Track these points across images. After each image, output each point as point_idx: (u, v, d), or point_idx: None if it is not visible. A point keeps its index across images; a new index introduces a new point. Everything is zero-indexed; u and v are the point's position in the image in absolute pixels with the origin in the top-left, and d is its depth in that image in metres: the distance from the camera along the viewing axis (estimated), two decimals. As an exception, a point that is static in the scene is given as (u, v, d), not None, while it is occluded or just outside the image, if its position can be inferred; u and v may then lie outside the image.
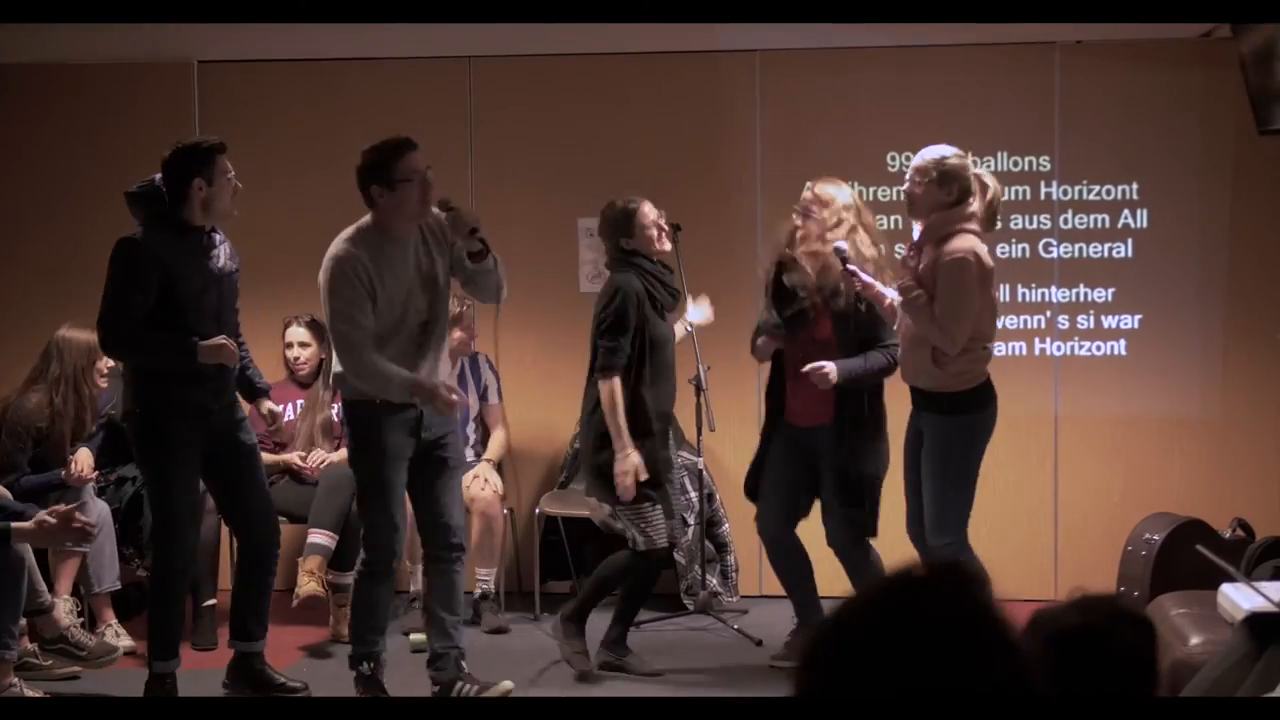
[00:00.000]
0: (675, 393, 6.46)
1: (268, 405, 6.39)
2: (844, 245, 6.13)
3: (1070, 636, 2.51)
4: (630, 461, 6.19)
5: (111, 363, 6.91)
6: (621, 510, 6.32)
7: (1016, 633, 1.72)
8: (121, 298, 5.82)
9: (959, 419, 6.01)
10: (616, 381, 6.21)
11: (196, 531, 6.28)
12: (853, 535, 6.33)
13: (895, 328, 6.16)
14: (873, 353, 6.23)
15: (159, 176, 5.92)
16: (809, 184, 6.32)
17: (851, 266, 6.08)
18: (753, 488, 6.57)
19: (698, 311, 6.79)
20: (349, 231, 5.82)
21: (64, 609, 6.59)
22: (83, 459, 6.82)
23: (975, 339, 5.98)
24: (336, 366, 5.92)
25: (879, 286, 6.11)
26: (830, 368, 6.13)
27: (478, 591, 7.24)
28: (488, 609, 7.25)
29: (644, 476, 6.22)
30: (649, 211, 6.29)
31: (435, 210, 5.86)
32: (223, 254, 6.00)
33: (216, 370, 5.95)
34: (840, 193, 6.26)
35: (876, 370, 6.25)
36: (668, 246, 6.33)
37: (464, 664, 6.08)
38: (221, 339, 5.87)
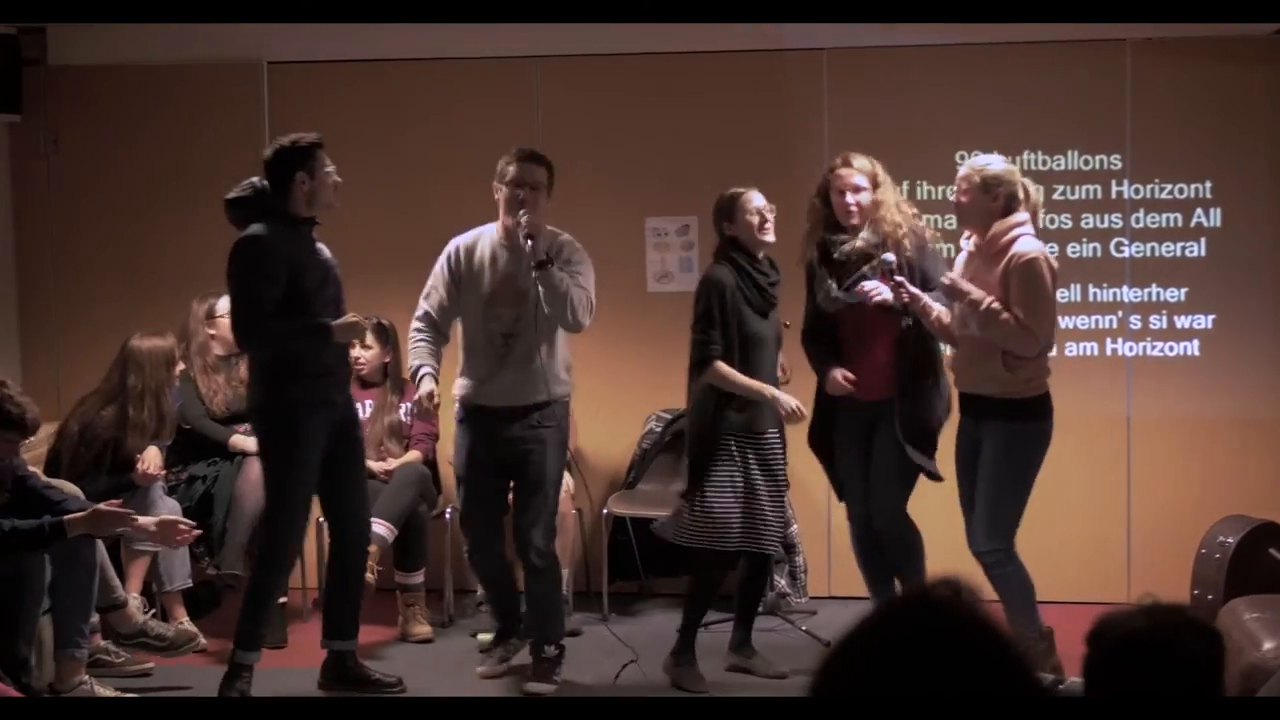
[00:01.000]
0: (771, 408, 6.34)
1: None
2: (891, 257, 6.09)
3: (1135, 642, 2.49)
4: (785, 399, 6.14)
5: (182, 365, 6.98)
6: (690, 509, 6.25)
7: (1008, 635, 1.78)
8: (252, 293, 5.94)
9: (1025, 426, 5.97)
10: (718, 365, 6.15)
11: (304, 531, 6.36)
12: (902, 511, 6.31)
13: (950, 339, 6.13)
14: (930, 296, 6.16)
15: (256, 180, 6.06)
16: (840, 161, 6.29)
17: (899, 278, 6.05)
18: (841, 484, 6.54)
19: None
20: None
21: (134, 606, 6.65)
22: (151, 457, 6.87)
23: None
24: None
25: (925, 299, 6.08)
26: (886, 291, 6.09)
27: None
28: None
29: (797, 406, 6.14)
30: (755, 198, 6.25)
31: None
32: (324, 247, 6.18)
33: (340, 363, 6.15)
34: (874, 164, 6.28)
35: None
36: (770, 237, 6.26)
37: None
38: (352, 315, 6.05)
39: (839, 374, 6.23)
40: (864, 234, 6.21)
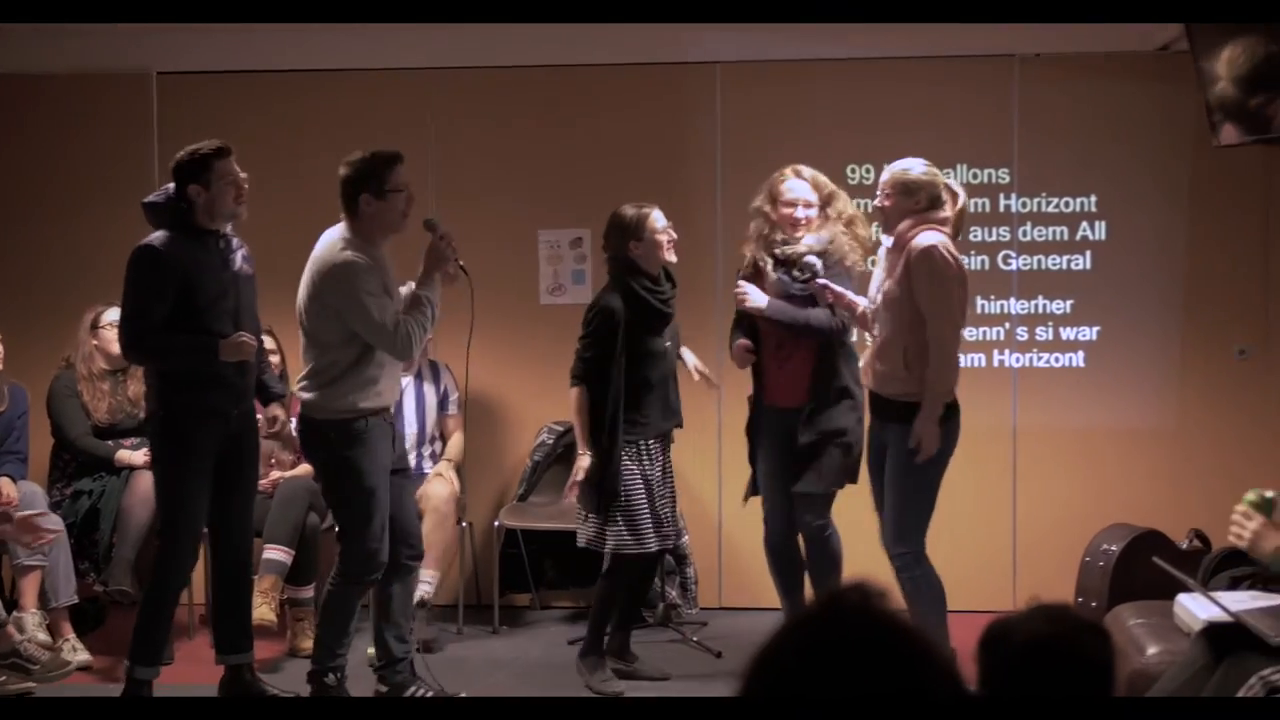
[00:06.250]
0: (674, 410, 6.46)
1: (275, 410, 6.35)
2: (815, 260, 6.13)
3: (1040, 646, 2.52)
4: (581, 464, 6.27)
5: None
6: (613, 514, 6.27)
7: (922, 636, 1.81)
8: (141, 304, 5.85)
9: None
10: (577, 391, 6.28)
11: (199, 540, 6.17)
12: (817, 516, 6.33)
13: (871, 332, 6.14)
14: (817, 310, 6.22)
15: (172, 186, 5.96)
16: (791, 172, 6.33)
17: (822, 280, 6.09)
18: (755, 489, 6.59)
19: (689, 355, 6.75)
20: (343, 241, 5.85)
21: (33, 622, 6.61)
22: (4, 486, 6.83)
23: None
24: (307, 388, 5.95)
25: (850, 295, 6.11)
26: (755, 292, 6.21)
27: (415, 597, 7.07)
28: (420, 617, 6.96)
29: (579, 478, 6.27)
30: (659, 218, 6.31)
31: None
32: (239, 257, 6.05)
33: (237, 375, 5.99)
34: (821, 177, 6.38)
35: (816, 325, 6.21)
36: (673, 257, 6.34)
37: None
38: (242, 335, 5.91)
39: (742, 343, 6.35)
40: (808, 239, 6.24)
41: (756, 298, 6.24)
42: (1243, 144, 6.59)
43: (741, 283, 6.30)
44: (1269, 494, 4.08)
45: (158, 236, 5.91)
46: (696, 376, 6.67)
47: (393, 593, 6.14)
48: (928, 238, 5.83)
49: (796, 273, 6.21)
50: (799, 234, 6.28)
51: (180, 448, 5.95)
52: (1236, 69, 6.38)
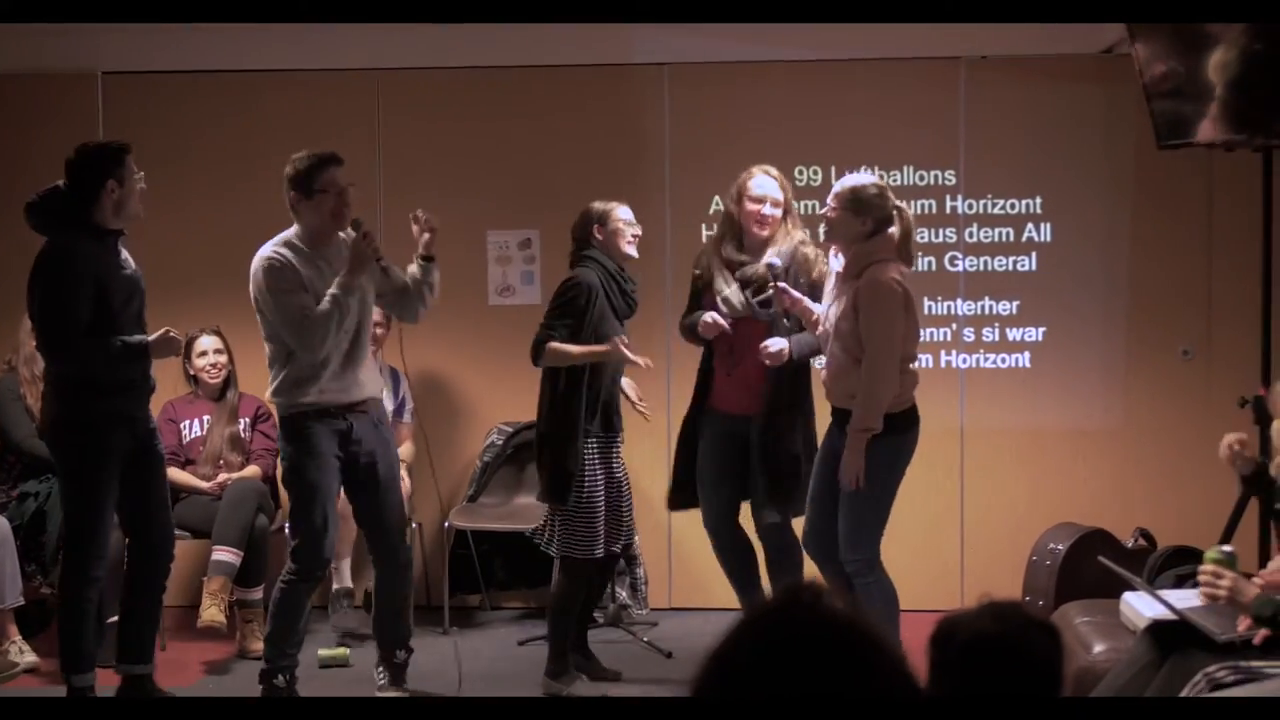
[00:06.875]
0: (619, 402, 6.44)
1: None
2: (777, 261, 6.13)
3: (986, 643, 2.54)
4: (614, 344, 6.13)
5: None
6: (559, 518, 6.26)
7: (876, 634, 1.82)
8: (62, 310, 5.67)
9: (884, 440, 5.83)
10: (552, 344, 6.15)
11: (108, 545, 6.07)
12: (780, 528, 6.32)
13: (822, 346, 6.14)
14: (806, 333, 6.21)
15: (61, 184, 5.78)
16: (758, 170, 6.33)
17: (782, 284, 6.08)
18: (684, 497, 6.56)
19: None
20: (275, 241, 5.91)
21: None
22: None
23: (902, 360, 5.90)
24: (270, 388, 5.96)
25: (807, 302, 6.09)
26: (773, 343, 6.13)
27: (336, 586, 7.24)
28: (344, 606, 7.24)
29: (645, 360, 6.19)
30: (625, 211, 6.34)
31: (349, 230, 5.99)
32: (130, 258, 5.92)
33: (143, 379, 5.89)
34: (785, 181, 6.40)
35: (817, 347, 6.20)
36: (634, 252, 6.34)
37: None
38: (167, 330, 5.80)
39: (711, 315, 6.28)
40: (768, 257, 6.21)
41: (777, 347, 6.15)
42: (1227, 143, 6.56)
43: (767, 343, 6.15)
44: (1228, 549, 4.30)
45: (64, 237, 5.72)
46: (638, 405, 6.59)
47: (382, 593, 6.21)
48: (883, 272, 5.74)
49: (769, 287, 6.17)
50: (764, 232, 6.26)
51: (91, 455, 5.81)
52: (1230, 73, 6.36)
